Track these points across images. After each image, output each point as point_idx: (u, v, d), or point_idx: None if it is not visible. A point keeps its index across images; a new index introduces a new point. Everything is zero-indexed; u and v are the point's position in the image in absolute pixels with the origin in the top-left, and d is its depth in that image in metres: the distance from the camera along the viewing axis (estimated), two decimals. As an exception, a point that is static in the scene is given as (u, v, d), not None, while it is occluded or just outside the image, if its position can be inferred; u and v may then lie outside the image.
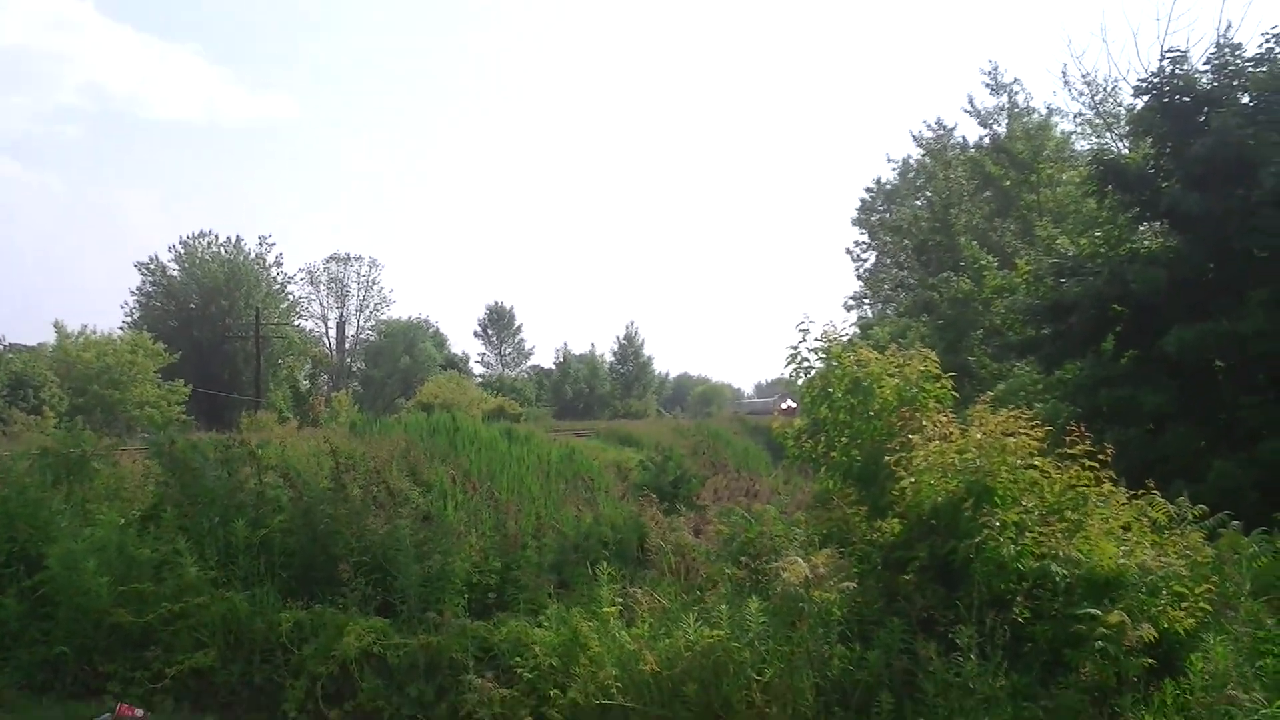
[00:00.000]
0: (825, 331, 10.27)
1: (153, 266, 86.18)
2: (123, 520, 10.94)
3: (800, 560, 8.38)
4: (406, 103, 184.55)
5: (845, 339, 10.31)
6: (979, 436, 8.69)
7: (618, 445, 42.34)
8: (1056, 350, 21.40)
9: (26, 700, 9.59)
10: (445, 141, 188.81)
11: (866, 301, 61.29)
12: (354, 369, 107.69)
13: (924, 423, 9.14)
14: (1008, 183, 41.67)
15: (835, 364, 9.97)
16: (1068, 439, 8.83)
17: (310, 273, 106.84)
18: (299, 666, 9.28)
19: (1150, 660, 7.45)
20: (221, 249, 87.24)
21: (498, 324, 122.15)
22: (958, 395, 10.06)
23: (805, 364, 10.29)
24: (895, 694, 7.65)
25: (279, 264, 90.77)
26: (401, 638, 9.22)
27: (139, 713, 9.23)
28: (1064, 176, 37.76)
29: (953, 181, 41.22)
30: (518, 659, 8.88)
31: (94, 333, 66.62)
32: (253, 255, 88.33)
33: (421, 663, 9.03)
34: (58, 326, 65.30)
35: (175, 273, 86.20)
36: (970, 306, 31.13)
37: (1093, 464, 8.68)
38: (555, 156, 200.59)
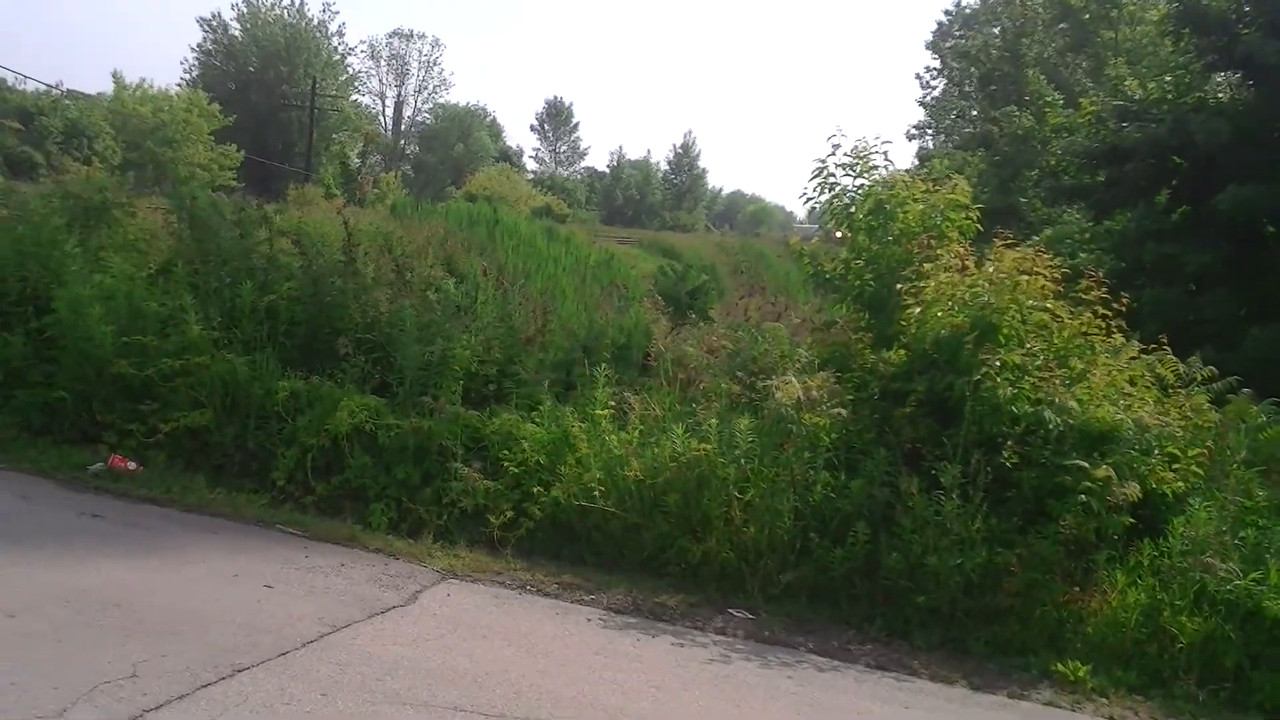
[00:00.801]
0: (856, 148, 9.83)
1: (214, 23, 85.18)
2: (134, 271, 10.88)
3: (794, 381, 8.25)
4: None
5: (879, 155, 9.83)
6: (991, 271, 8.41)
7: (659, 256, 42.17)
8: (1109, 198, 20.84)
9: (23, 443, 9.70)
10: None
11: (930, 132, 59.79)
12: (407, 152, 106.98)
13: (941, 253, 8.85)
14: (1087, 16, 40.02)
15: (861, 182, 9.63)
16: (1083, 285, 8.56)
17: (372, 46, 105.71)
18: (291, 436, 9.31)
19: (1132, 519, 7.36)
20: (284, 11, 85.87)
21: (555, 119, 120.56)
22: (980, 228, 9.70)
23: (831, 179, 9.90)
24: (872, 526, 7.61)
25: (340, 34, 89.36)
26: (394, 419, 9.21)
27: (131, 465, 9.33)
28: (1145, 15, 36.16)
29: (1029, 8, 39.56)
30: (506, 452, 8.89)
31: (151, 87, 66.22)
32: (315, 21, 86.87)
33: (411, 445, 9.04)
34: (116, 77, 64.88)
35: (236, 32, 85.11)
36: (1029, 144, 30.24)
37: (1106, 313, 8.42)
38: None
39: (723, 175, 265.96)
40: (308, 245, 11.10)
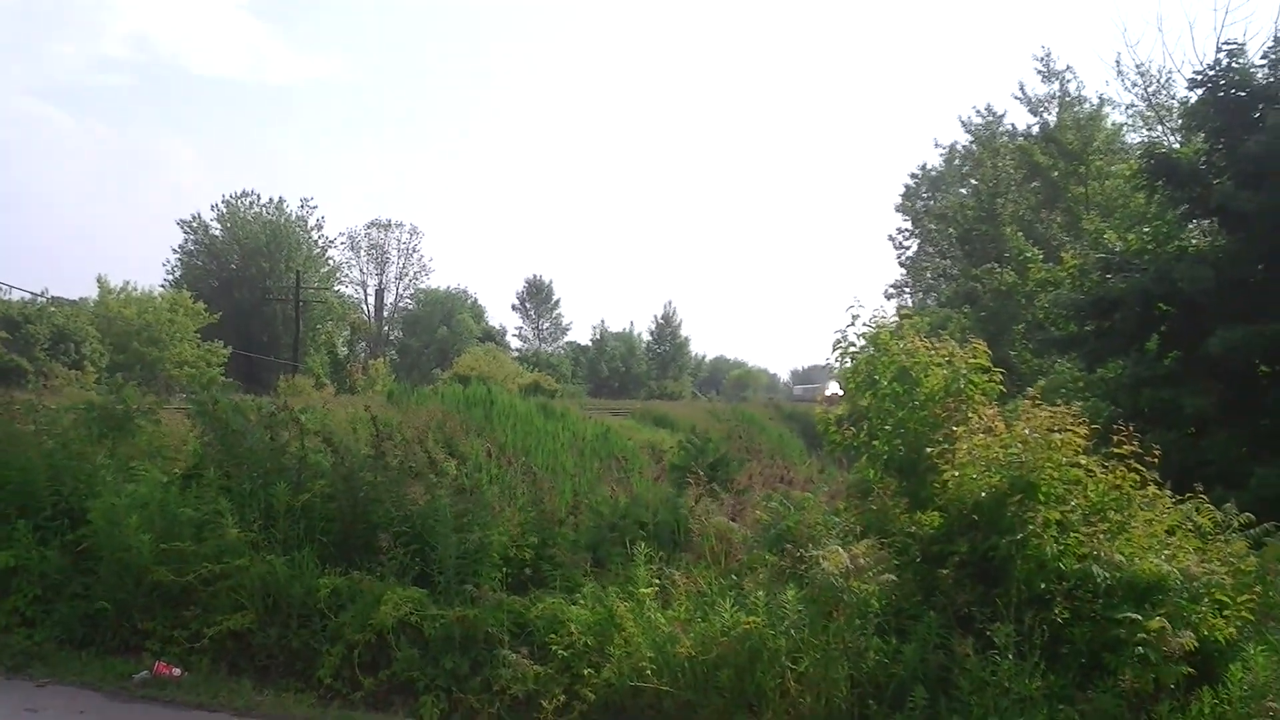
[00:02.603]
0: (874, 317, 10.18)
1: (195, 225, 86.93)
2: (165, 478, 11.01)
3: (840, 550, 8.37)
4: (453, 72, 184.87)
5: (894, 326, 10.20)
6: (1025, 432, 8.62)
7: (652, 426, 42.60)
8: (1099, 347, 21.24)
9: (66, 655, 9.67)
10: (489, 113, 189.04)
11: (907, 290, 61.13)
12: (391, 337, 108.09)
13: (969, 415, 9.10)
14: (1056, 173, 41.35)
15: (883, 351, 9.89)
16: (1115, 439, 8.77)
17: (351, 238, 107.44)
18: (336, 633, 9.33)
19: (1189, 669, 7.41)
20: (264, 210, 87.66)
21: (536, 298, 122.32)
22: (1004, 389, 9.97)
23: (852, 349, 10.22)
24: (930, 690, 7.64)
25: (320, 227, 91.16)
26: (438, 609, 9.25)
27: (176, 672, 9.32)
28: (1113, 169, 37.39)
29: (1000, 170, 40.89)
30: (553, 636, 8.91)
31: (135, 290, 67.29)
32: (294, 217, 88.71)
33: (457, 635, 9.08)
34: (100, 282, 66.10)
35: (217, 232, 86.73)
36: (1013, 299, 31.00)
37: (1139, 466, 8.63)
38: (601, 132, 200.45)
39: (705, 341, 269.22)
40: (338, 443, 11.27)
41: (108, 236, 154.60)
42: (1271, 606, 8.05)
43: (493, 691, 8.74)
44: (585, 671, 8.63)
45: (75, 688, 9.13)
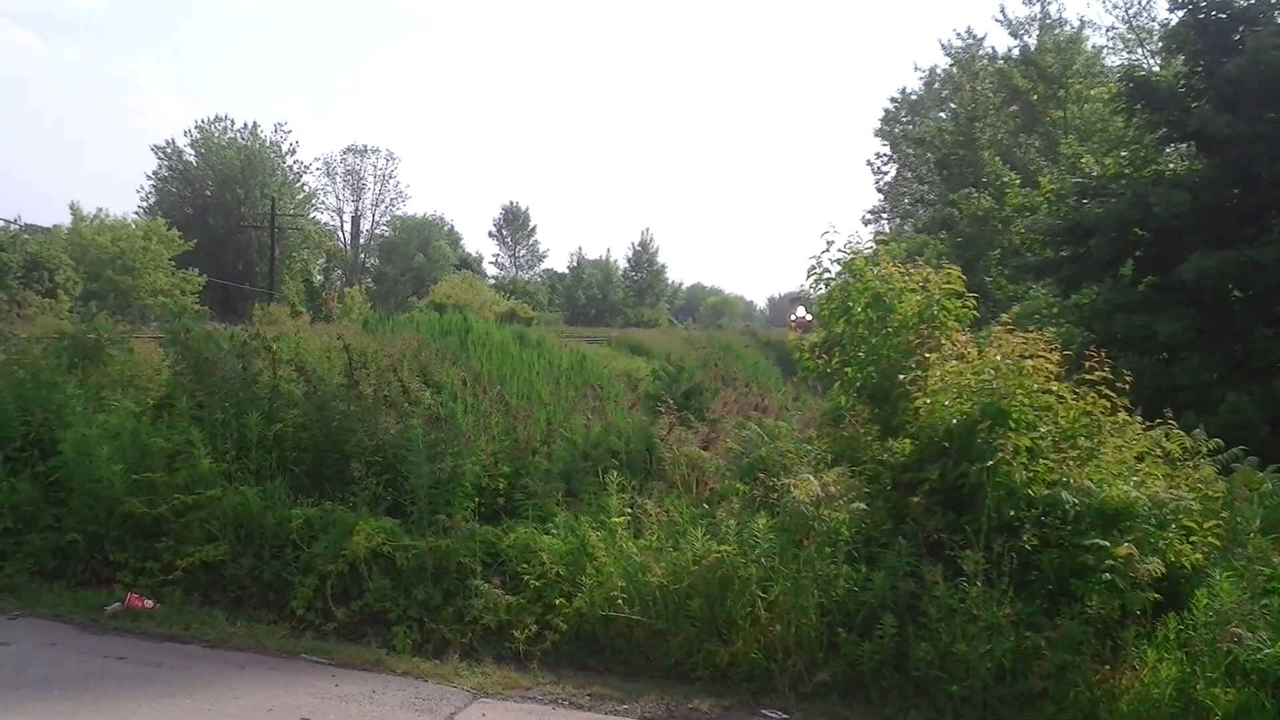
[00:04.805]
0: (849, 242, 10.10)
1: (169, 151, 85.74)
2: (137, 408, 10.93)
3: (811, 478, 8.37)
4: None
5: (869, 252, 10.13)
6: (997, 358, 8.60)
7: (628, 354, 42.52)
8: (1075, 273, 21.27)
9: (37, 586, 9.63)
10: (467, 37, 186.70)
11: (885, 216, 61.03)
12: (368, 265, 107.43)
13: (943, 341, 9.07)
14: (1034, 97, 41.13)
15: (857, 277, 9.83)
16: (1087, 365, 8.77)
17: (326, 164, 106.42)
18: (308, 564, 9.30)
19: (1156, 595, 7.46)
20: (238, 135, 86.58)
21: (513, 225, 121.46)
22: (977, 314, 9.93)
23: (826, 275, 10.16)
24: (898, 617, 7.69)
25: (294, 153, 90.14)
26: (410, 539, 9.24)
27: (148, 604, 9.31)
28: (1092, 93, 37.21)
29: (979, 93, 40.62)
30: (525, 566, 8.92)
31: (109, 217, 66.55)
32: (268, 142, 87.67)
33: (429, 565, 9.07)
34: (73, 209, 65.33)
35: (191, 158, 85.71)
36: (990, 225, 30.92)
37: (1110, 392, 8.63)
38: (577, 58, 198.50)
39: (682, 269, 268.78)
40: (311, 372, 11.19)
41: (81, 162, 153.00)
42: (1238, 532, 8.11)
43: (465, 622, 8.75)
44: (557, 601, 8.65)
45: (47, 620, 9.06)
